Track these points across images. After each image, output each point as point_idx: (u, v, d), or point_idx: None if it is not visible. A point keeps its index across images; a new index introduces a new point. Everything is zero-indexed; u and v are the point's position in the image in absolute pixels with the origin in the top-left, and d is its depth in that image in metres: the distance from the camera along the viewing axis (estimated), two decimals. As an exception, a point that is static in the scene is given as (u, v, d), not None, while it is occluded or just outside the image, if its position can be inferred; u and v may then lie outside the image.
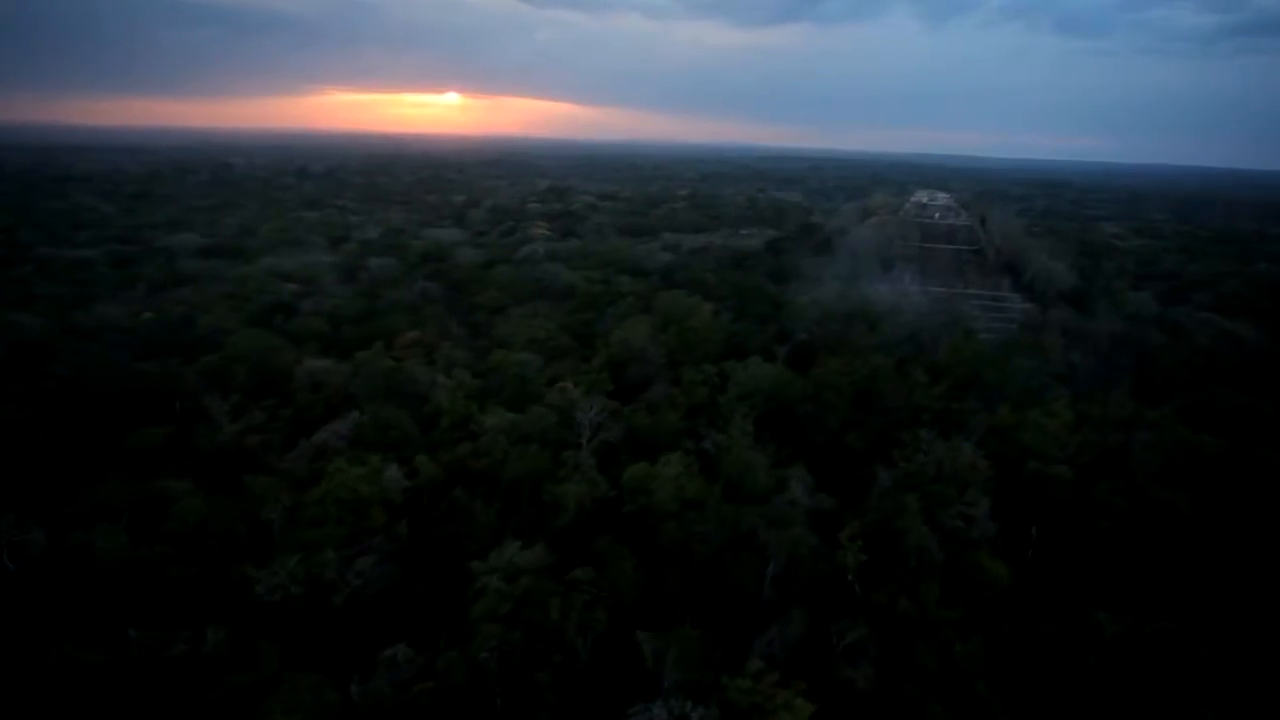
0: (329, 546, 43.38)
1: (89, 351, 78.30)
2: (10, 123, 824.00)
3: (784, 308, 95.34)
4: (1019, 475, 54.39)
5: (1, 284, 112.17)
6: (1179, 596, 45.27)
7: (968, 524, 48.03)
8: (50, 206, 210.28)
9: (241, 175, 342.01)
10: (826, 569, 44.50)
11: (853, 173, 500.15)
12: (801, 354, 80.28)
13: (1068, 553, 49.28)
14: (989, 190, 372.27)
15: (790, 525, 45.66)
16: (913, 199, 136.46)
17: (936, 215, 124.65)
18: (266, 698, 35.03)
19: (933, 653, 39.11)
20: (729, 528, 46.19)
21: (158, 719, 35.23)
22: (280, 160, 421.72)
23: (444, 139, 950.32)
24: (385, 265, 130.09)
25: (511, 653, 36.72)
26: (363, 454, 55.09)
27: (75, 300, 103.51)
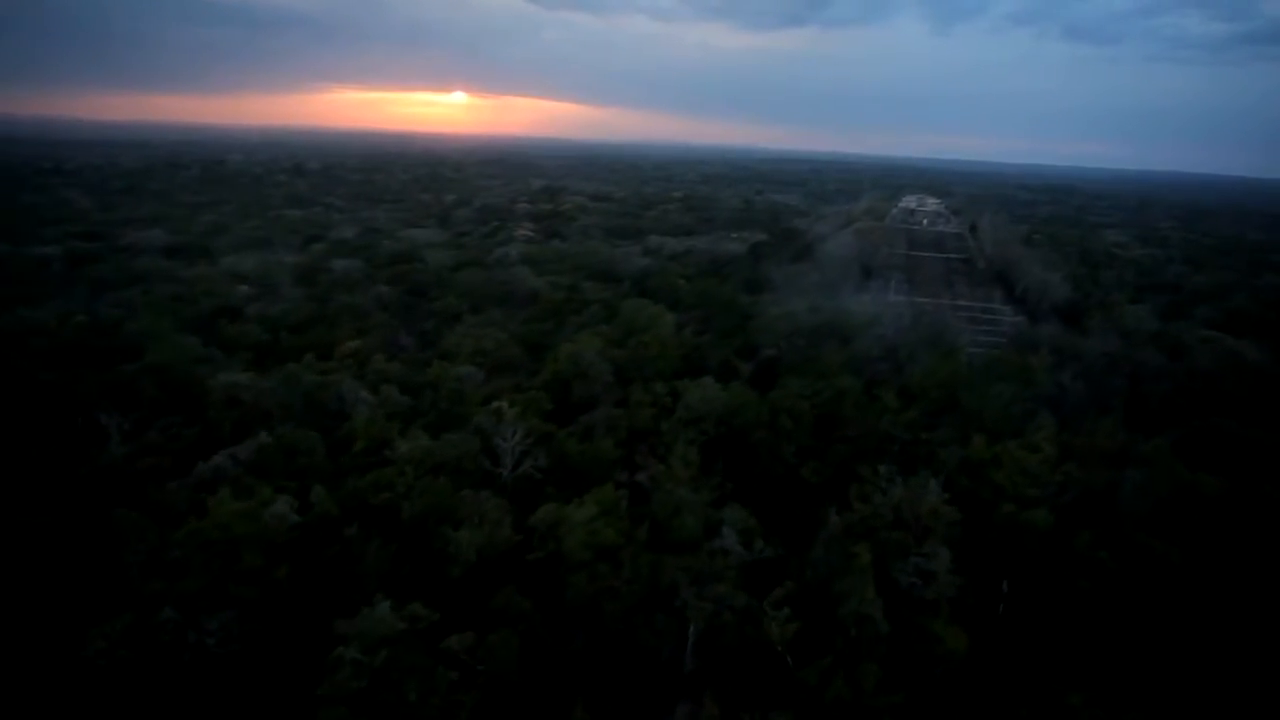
0: (169, 601, 37.29)
1: (-2, 359, 72.53)
2: (21, 117, 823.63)
3: (754, 320, 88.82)
4: (990, 520, 48.12)
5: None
6: (1169, 674, 38.85)
7: (925, 581, 41.73)
8: (27, 201, 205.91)
9: (235, 171, 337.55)
10: (755, 635, 38.28)
11: (856, 176, 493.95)
12: (766, 372, 74.01)
13: (1040, 617, 42.91)
14: (994, 195, 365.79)
15: (716, 581, 39.50)
16: (900, 204, 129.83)
17: (924, 222, 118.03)
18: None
19: (868, 746, 32.93)
20: (645, 582, 40.03)
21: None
22: (279, 156, 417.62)
23: (449, 138, 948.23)
24: (349, 267, 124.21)
25: (356, 746, 30.64)
26: (256, 483, 49.23)
27: (11, 301, 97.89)
